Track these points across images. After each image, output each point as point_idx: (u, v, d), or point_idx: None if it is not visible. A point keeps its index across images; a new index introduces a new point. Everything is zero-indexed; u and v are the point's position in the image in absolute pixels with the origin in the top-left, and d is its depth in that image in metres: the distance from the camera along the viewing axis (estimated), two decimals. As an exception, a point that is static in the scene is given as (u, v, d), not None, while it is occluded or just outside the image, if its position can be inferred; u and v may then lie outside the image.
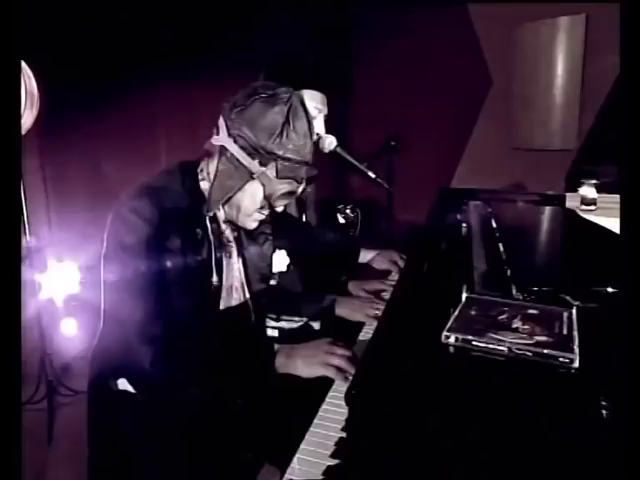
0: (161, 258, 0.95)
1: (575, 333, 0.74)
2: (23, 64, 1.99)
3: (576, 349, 0.69)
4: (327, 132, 1.48)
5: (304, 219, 1.51)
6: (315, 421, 0.84)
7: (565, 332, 0.75)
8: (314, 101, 1.36)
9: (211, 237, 1.02)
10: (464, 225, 1.49)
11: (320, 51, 3.40)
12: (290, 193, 1.01)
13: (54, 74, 2.38)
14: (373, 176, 1.49)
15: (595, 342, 0.74)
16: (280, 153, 0.95)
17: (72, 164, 3.41)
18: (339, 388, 0.93)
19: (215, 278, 1.04)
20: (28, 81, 1.99)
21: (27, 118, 2.01)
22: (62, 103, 2.72)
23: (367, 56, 3.68)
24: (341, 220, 1.55)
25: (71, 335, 2.67)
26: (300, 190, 1.03)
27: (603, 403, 0.60)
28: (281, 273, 1.39)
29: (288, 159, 0.96)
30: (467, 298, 0.88)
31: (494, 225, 1.43)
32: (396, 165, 2.14)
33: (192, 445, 1.00)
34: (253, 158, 0.96)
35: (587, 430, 0.59)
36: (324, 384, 0.95)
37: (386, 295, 1.43)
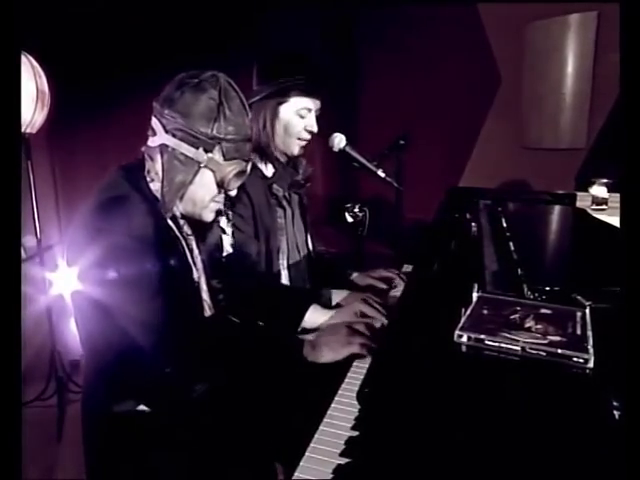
0: (142, 269, 0.92)
1: (589, 333, 0.73)
2: (35, 63, 2.01)
3: (590, 349, 0.69)
4: (334, 131, 1.48)
5: (306, 219, 1.51)
6: (325, 420, 0.83)
7: (579, 332, 0.74)
8: (302, 104, 1.34)
9: (178, 235, 1.02)
10: (474, 224, 1.48)
11: (326, 50, 3.40)
12: (241, 173, 1.01)
13: (65, 73, 2.40)
14: (382, 175, 1.48)
15: (608, 342, 0.73)
16: (222, 136, 0.96)
17: (82, 163, 3.44)
18: (349, 387, 0.93)
19: (196, 274, 1.04)
20: (39, 80, 2.00)
21: (38, 117, 2.02)
22: (73, 102, 2.74)
23: (375, 55, 3.66)
24: (349, 219, 1.54)
25: (80, 332, 2.69)
26: (248, 169, 1.03)
27: (615, 404, 0.59)
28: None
29: (231, 140, 0.97)
30: (479, 297, 0.87)
31: (504, 224, 1.42)
32: (404, 164, 2.13)
33: (202, 446, 1.00)
34: (197, 147, 0.96)
35: (602, 430, 0.58)
36: (331, 383, 0.95)
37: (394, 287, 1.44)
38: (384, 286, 1.43)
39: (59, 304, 2.35)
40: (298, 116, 1.35)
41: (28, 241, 2.65)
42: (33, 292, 2.25)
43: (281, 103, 1.33)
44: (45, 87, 2.04)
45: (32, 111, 1.98)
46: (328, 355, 0.99)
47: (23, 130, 2.00)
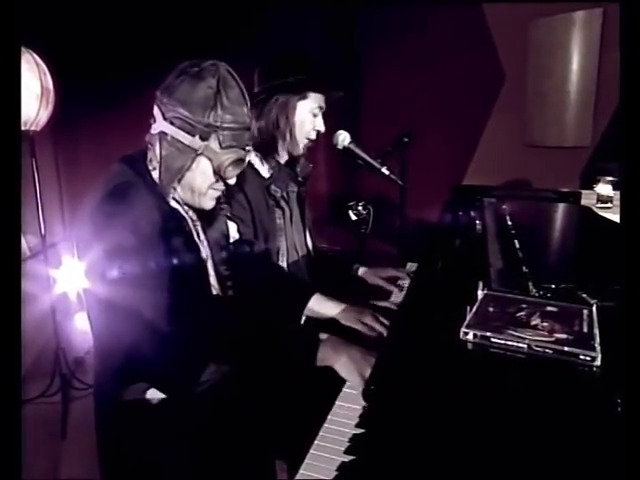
0: (150, 255, 0.93)
1: (596, 331, 0.73)
2: (39, 60, 2.01)
3: (597, 347, 0.68)
4: (338, 128, 1.48)
5: (305, 215, 1.51)
6: (329, 417, 0.83)
7: (586, 330, 0.74)
8: (318, 101, 1.34)
9: (185, 216, 1.03)
10: (478, 222, 1.48)
11: (329, 49, 3.39)
12: (238, 161, 1.01)
13: (69, 71, 2.40)
14: (387, 173, 1.47)
15: (615, 341, 0.72)
16: (218, 124, 0.96)
17: (86, 161, 3.45)
18: (353, 384, 0.93)
19: (205, 253, 1.05)
20: (44, 78, 2.01)
21: (42, 115, 2.03)
22: (77, 100, 2.74)
23: (378, 53, 3.65)
24: (353, 217, 1.54)
25: (84, 329, 2.71)
26: (246, 159, 1.04)
27: (619, 401, 0.59)
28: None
29: (228, 128, 0.97)
30: (484, 295, 0.87)
31: (509, 222, 1.41)
32: (408, 161, 2.13)
33: (207, 444, 1.00)
34: (193, 135, 0.97)
35: (608, 428, 0.58)
36: (336, 380, 0.95)
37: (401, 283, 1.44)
38: (393, 288, 1.42)
39: (63, 302, 2.36)
40: (312, 114, 1.34)
41: (31, 239, 2.67)
42: (37, 290, 2.25)
43: (300, 100, 1.32)
44: (49, 85, 2.05)
45: (36, 109, 1.98)
46: (341, 368, 0.93)
47: (27, 128, 2.01)
